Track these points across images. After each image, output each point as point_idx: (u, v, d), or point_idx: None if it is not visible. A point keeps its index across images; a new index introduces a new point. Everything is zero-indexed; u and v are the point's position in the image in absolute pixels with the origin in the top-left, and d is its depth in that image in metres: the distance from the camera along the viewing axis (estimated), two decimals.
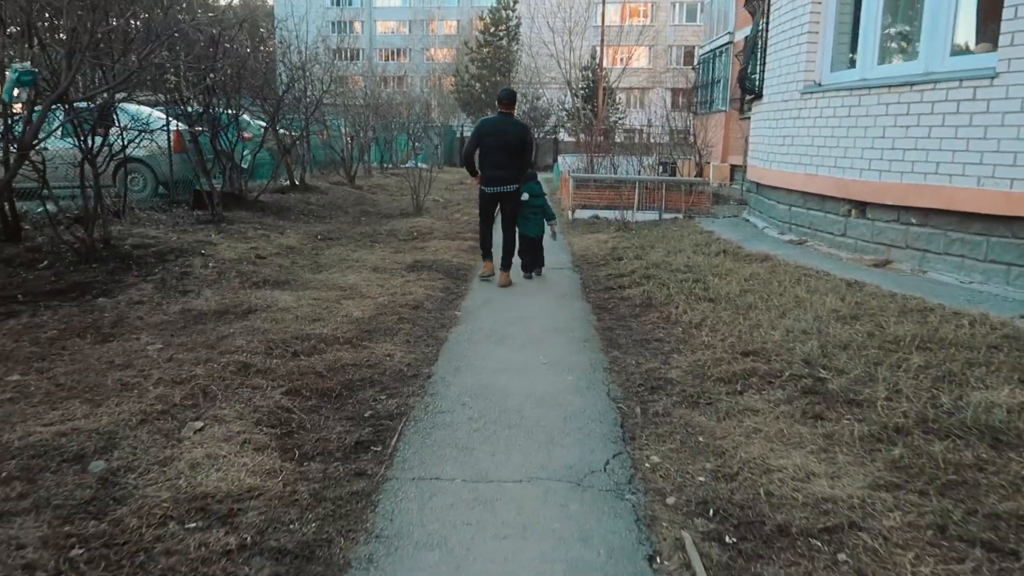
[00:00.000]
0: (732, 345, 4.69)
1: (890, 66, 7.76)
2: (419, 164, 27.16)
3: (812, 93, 8.75)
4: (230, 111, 10.91)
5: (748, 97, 12.51)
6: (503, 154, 7.66)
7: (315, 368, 4.27)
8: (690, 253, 8.52)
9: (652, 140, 33.12)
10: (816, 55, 8.92)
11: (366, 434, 3.48)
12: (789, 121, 9.52)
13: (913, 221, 6.97)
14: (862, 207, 7.74)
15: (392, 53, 62.65)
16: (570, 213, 12.72)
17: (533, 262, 8.32)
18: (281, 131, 13.62)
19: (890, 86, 7.19)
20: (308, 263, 7.77)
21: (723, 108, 20.34)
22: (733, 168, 19.92)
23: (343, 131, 18.35)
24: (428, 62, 57.93)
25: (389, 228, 10.95)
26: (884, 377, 3.89)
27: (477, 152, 7.74)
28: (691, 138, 22.50)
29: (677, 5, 56.10)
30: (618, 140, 31.55)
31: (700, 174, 22.17)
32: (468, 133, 39.57)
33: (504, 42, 38.40)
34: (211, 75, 9.65)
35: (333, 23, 58.98)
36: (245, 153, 12.24)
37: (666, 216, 12.39)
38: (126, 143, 7.91)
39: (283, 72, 14.12)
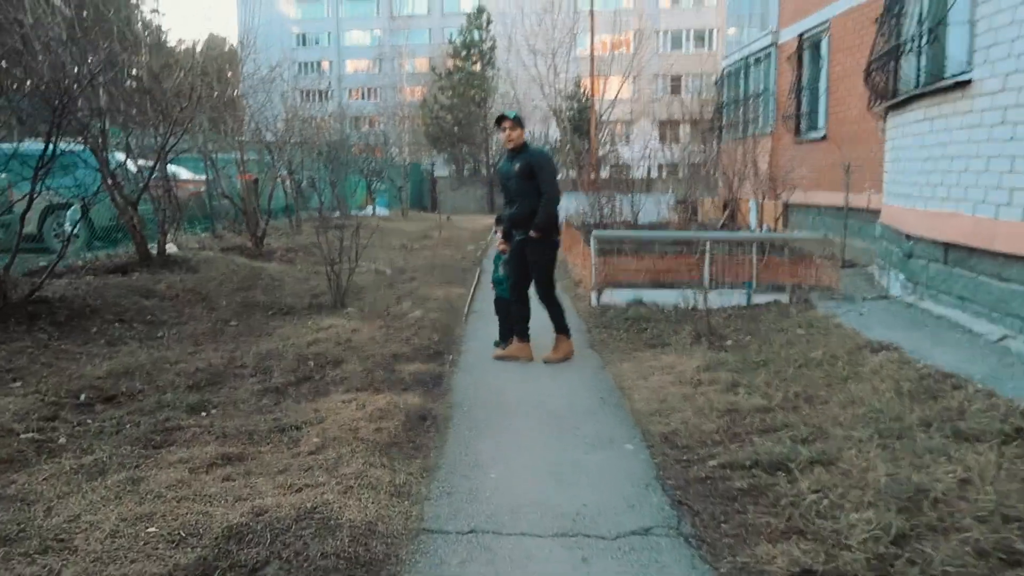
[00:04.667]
0: None
1: None
2: (377, 210, 22.13)
3: None
4: None
5: (886, 101, 7.54)
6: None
7: None
8: (900, 418, 3.46)
9: (653, 175, 28.44)
10: None
11: None
12: None
13: None
14: None
15: (363, 92, 59.15)
16: (594, 296, 7.61)
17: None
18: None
19: None
20: None
21: (767, 130, 15.52)
22: (788, 208, 14.99)
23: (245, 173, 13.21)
24: (400, 100, 54.02)
25: (262, 352, 5.75)
26: None
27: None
28: (712, 171, 17.74)
29: (661, 34, 52.38)
30: (606, 175, 26.88)
31: (732, 216, 17.25)
32: (439, 172, 34.77)
33: (477, 67, 33.79)
34: None
35: (301, 64, 55.30)
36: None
37: (759, 298, 7.32)
38: None
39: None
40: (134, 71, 12.52)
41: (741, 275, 7.53)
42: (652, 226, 14.01)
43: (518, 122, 5.57)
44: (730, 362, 5.16)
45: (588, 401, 4.57)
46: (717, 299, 7.06)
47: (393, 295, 8.42)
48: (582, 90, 35.48)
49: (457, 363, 5.57)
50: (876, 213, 10.71)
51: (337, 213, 18.63)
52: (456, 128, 33.56)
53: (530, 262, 5.59)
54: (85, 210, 8.06)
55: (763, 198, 13.48)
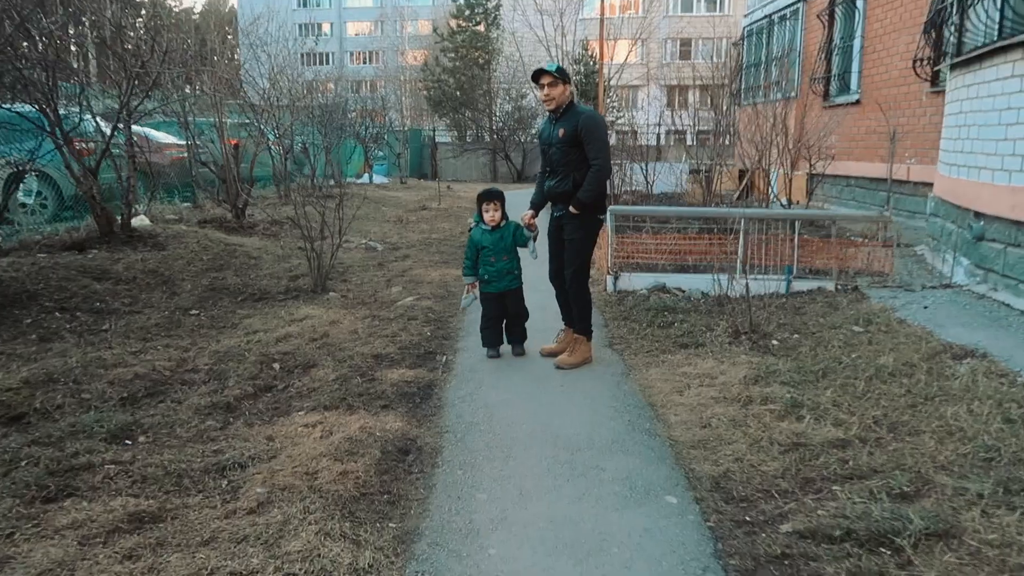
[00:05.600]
0: None
1: None
2: (375, 178, 21.06)
3: None
4: None
5: (952, 60, 6.49)
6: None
7: None
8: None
9: (663, 142, 27.21)
10: None
11: None
12: None
13: None
14: None
15: (365, 56, 57.97)
16: (610, 281, 6.67)
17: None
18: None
19: None
20: None
21: (792, 94, 14.41)
22: (812, 178, 13.94)
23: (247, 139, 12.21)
24: (401, 64, 52.65)
25: (221, 351, 4.83)
26: None
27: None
28: (727, 139, 16.63)
29: None
30: (615, 143, 25.61)
31: (749, 187, 16.23)
32: (440, 139, 33.55)
33: (481, 28, 32.36)
34: None
35: (300, 25, 53.87)
36: None
37: (799, 285, 6.37)
38: None
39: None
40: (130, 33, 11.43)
41: (777, 258, 6.58)
42: (668, 198, 13.01)
43: (561, 76, 4.51)
44: (782, 371, 4.23)
45: (612, 426, 3.66)
46: (751, 286, 6.11)
47: (382, 277, 7.49)
48: (589, 52, 34.07)
49: (451, 367, 4.66)
50: (918, 185, 9.71)
51: (332, 182, 17.63)
52: (459, 92, 32.23)
53: (566, 240, 4.64)
54: (17, 177, 7.10)
55: (789, 169, 12.42)
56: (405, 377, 4.33)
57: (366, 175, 20.93)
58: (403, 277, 7.49)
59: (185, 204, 11.78)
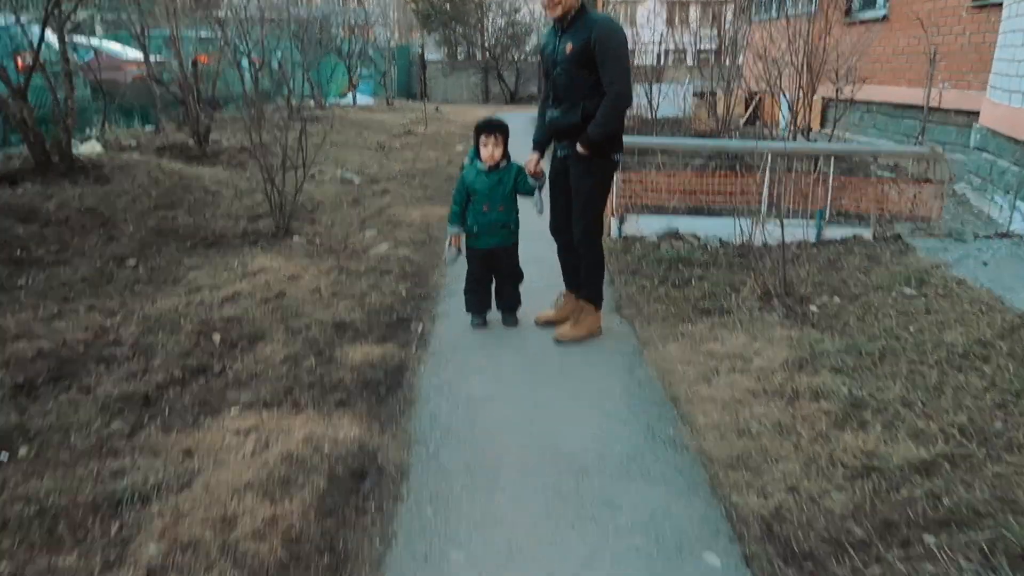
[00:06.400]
0: None
1: None
2: (359, 99, 19.77)
3: None
4: None
5: None
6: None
7: None
8: None
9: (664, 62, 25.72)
10: None
11: None
12: None
13: None
14: None
15: None
16: (614, 224, 5.82)
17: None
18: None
19: None
20: None
21: (808, 9, 13.20)
22: (826, 103, 12.90)
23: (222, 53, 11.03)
24: None
25: (154, 316, 4.02)
26: None
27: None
28: (738, 58, 15.43)
29: None
30: None
31: (755, 113, 15.25)
32: (432, 56, 31.82)
33: None
34: None
35: None
36: None
37: (831, 232, 5.56)
38: None
39: None
40: None
41: (804, 199, 5.73)
42: (674, 124, 12.01)
43: None
44: (831, 352, 3.46)
45: (627, 434, 2.90)
46: (776, 233, 5.29)
47: (357, 217, 6.62)
48: None
49: (427, 341, 3.87)
50: (950, 113, 8.78)
51: (313, 103, 16.43)
52: (447, 5, 30.39)
53: (573, 188, 3.73)
54: None
55: (808, 93, 11.39)
56: (370, 357, 3.54)
57: (350, 95, 19.64)
58: (380, 217, 6.62)
59: (149, 128, 10.76)
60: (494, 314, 4.13)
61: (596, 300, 3.85)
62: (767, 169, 5.50)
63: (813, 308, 4.14)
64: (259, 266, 4.94)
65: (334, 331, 3.87)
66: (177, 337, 3.75)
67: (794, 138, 7.33)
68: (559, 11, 3.55)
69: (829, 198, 5.51)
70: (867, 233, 5.50)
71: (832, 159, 5.50)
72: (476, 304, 4.05)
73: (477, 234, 3.92)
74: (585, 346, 3.78)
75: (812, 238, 5.51)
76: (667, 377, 3.38)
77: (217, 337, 3.80)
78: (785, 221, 5.34)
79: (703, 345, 3.69)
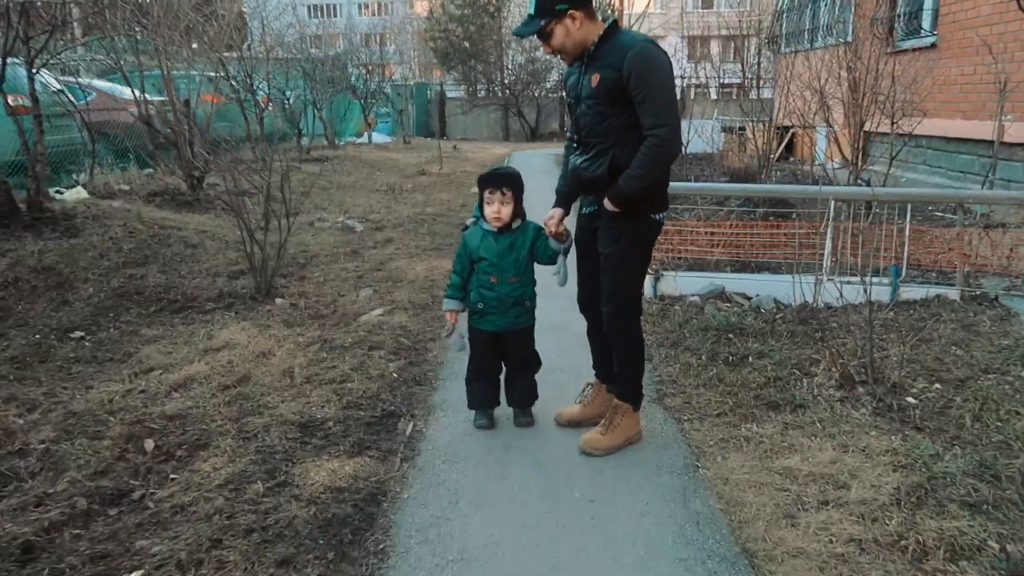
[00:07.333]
0: None
1: None
2: (376, 138, 19.20)
3: None
4: None
5: None
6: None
7: None
8: None
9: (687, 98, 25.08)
10: None
11: None
12: None
13: None
14: None
15: (375, 8, 56.67)
16: (648, 283, 4.93)
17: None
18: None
19: None
20: None
21: (845, 38, 12.41)
22: (868, 137, 11.98)
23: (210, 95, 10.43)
24: (409, 14, 50.58)
25: (79, 412, 3.21)
26: None
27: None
28: (768, 91, 14.66)
29: None
30: None
31: (789, 149, 14.47)
32: (451, 94, 31.45)
33: None
34: None
35: None
36: None
37: (907, 292, 4.66)
38: None
39: None
40: None
41: (884, 256, 4.84)
42: (705, 161, 11.21)
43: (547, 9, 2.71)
44: (955, 474, 2.56)
45: None
46: (836, 293, 4.41)
47: (353, 272, 5.82)
48: (607, 1, 31.67)
49: (417, 449, 3.01)
50: (1015, 148, 7.89)
51: (326, 142, 15.85)
52: (467, 43, 30.03)
53: (602, 255, 2.87)
54: None
55: (856, 127, 10.52)
56: (338, 477, 2.69)
57: (365, 135, 19.08)
58: (379, 272, 5.82)
59: (147, 171, 10.15)
60: (503, 409, 3.27)
61: (634, 400, 2.97)
62: (830, 218, 4.63)
63: (911, 400, 3.24)
64: (226, 339, 4.13)
65: (298, 435, 3.03)
66: (99, 444, 2.94)
67: (855, 179, 6.48)
68: (549, 51, 2.80)
69: (907, 251, 4.62)
70: (952, 293, 4.59)
71: (908, 206, 4.62)
72: (481, 399, 3.18)
73: (484, 311, 3.06)
74: (621, 459, 2.90)
75: (886, 298, 4.61)
76: (735, 512, 2.49)
77: (150, 444, 2.98)
78: (851, 280, 4.48)
79: (777, 458, 2.80)
